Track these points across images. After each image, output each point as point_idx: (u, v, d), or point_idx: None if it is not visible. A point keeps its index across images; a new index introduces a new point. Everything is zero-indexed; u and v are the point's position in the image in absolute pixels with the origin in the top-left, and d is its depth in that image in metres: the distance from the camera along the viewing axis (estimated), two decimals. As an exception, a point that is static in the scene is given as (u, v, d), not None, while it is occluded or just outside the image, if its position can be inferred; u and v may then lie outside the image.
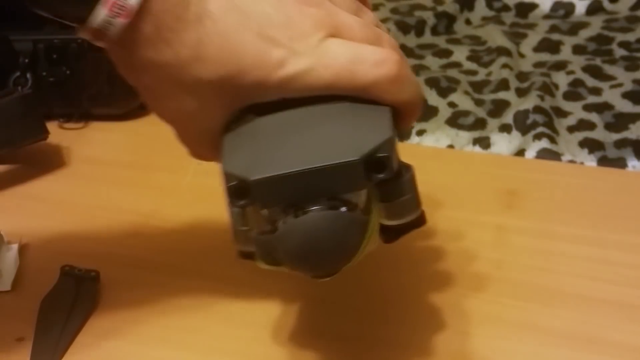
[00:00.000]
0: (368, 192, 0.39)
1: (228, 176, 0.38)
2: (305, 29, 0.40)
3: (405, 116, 0.43)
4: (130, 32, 0.38)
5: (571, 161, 0.69)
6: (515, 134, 0.72)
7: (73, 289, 0.53)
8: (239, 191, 0.37)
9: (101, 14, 0.37)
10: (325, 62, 0.40)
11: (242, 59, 0.39)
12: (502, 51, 0.88)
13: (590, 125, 0.74)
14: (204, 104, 0.41)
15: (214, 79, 0.39)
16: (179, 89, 0.40)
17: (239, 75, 0.39)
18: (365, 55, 0.41)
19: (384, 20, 0.97)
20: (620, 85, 0.80)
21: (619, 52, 0.88)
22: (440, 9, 0.98)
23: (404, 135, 0.73)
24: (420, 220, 0.42)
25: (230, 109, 0.41)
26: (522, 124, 0.73)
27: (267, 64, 0.39)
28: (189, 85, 0.40)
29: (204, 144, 0.43)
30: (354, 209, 0.37)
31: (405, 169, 0.40)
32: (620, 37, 0.91)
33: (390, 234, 0.42)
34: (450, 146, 0.72)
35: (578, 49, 0.90)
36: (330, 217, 0.36)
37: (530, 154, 0.70)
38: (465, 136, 0.73)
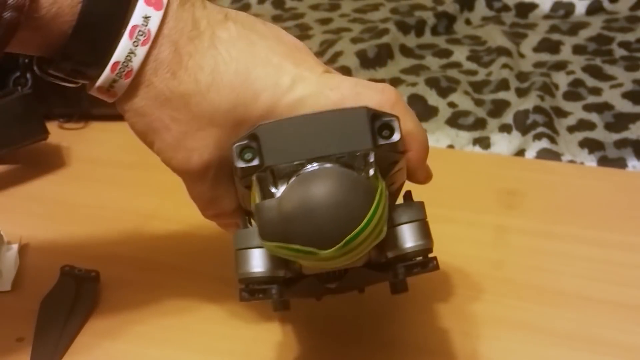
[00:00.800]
0: (378, 172, 0.37)
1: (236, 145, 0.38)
2: (308, 60, 0.42)
3: (413, 158, 0.43)
4: (152, 60, 0.39)
5: (571, 161, 0.69)
6: (515, 134, 0.73)
7: (73, 289, 0.53)
8: (248, 148, 0.37)
9: (124, 44, 0.39)
10: (331, 85, 0.40)
11: (254, 83, 0.40)
12: (502, 51, 0.88)
13: (590, 125, 0.74)
14: (221, 136, 0.41)
15: (230, 107, 0.40)
16: (199, 122, 0.41)
17: (252, 101, 0.40)
18: (367, 82, 0.42)
19: (384, 21, 0.97)
20: (620, 85, 0.81)
21: (619, 52, 0.89)
22: (440, 9, 0.99)
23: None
24: (430, 261, 0.40)
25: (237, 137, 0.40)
26: (522, 124, 0.73)
27: (278, 88, 0.40)
28: (207, 115, 0.40)
29: (221, 182, 0.43)
30: (362, 174, 0.37)
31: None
32: (620, 37, 0.91)
33: (397, 273, 0.40)
34: (450, 146, 0.72)
35: (578, 49, 0.90)
36: (337, 173, 0.36)
37: (531, 154, 0.70)
38: (465, 136, 0.73)
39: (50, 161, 0.70)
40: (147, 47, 0.39)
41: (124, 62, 0.39)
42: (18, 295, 0.54)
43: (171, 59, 0.40)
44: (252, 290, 0.39)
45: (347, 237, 0.35)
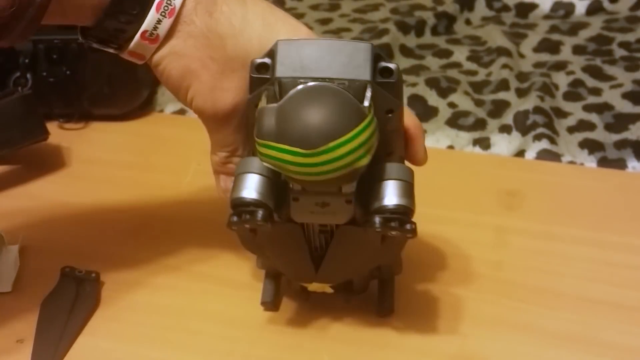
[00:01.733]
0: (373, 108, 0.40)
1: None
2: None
3: (411, 125, 0.47)
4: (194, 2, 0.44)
5: (571, 162, 0.69)
6: (515, 134, 0.73)
7: (73, 290, 0.53)
8: (263, 64, 0.42)
9: None
10: None
11: (278, 34, 0.45)
12: (502, 51, 0.88)
13: (590, 126, 0.74)
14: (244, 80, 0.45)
15: (258, 53, 0.44)
16: (234, 63, 0.45)
17: None
18: None
19: (384, 21, 0.97)
20: (620, 85, 0.80)
21: (619, 52, 0.89)
22: (440, 9, 0.98)
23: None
24: (409, 222, 0.42)
25: None
26: (522, 124, 0.73)
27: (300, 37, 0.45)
28: (240, 58, 0.45)
29: (240, 130, 0.47)
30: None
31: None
32: (620, 37, 0.91)
33: (374, 223, 0.42)
34: (451, 147, 0.72)
35: (578, 49, 0.90)
36: (335, 90, 0.40)
37: (530, 154, 0.70)
38: (465, 137, 0.73)
39: (50, 161, 0.70)
40: None
41: (165, 2, 0.43)
42: (18, 297, 0.54)
43: (208, 1, 0.44)
44: (240, 212, 0.42)
45: (330, 144, 0.38)
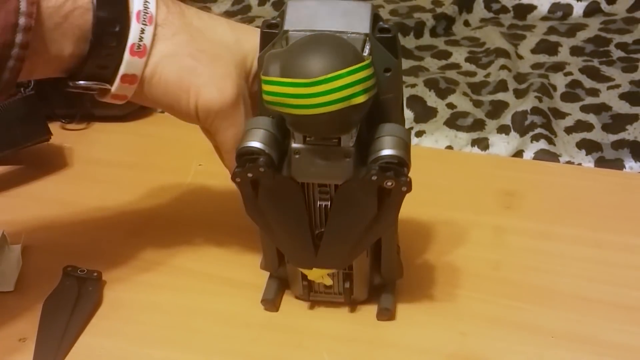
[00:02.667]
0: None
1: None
2: None
3: None
4: (162, 4, 0.47)
5: (569, 162, 0.69)
6: (514, 135, 0.73)
7: (75, 290, 0.53)
8: (273, 24, 0.45)
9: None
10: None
11: (242, 27, 0.51)
12: (501, 53, 0.88)
13: (588, 127, 0.75)
14: (237, 65, 0.49)
15: (233, 40, 0.49)
16: (219, 50, 0.48)
17: (247, 37, 0.49)
18: None
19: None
20: (617, 86, 0.81)
21: (617, 53, 0.89)
22: (439, 10, 0.99)
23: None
24: (404, 174, 0.44)
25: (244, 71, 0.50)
26: (520, 125, 0.74)
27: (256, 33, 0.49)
28: (222, 46, 0.48)
29: (250, 115, 0.49)
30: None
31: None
32: (617, 38, 0.92)
33: (371, 169, 0.43)
34: (449, 147, 0.73)
35: (576, 51, 0.90)
36: (337, 35, 0.42)
37: (529, 155, 0.70)
38: (464, 137, 0.74)
39: (52, 162, 0.70)
40: None
41: (143, 10, 0.45)
42: (21, 296, 0.54)
43: (171, 4, 0.47)
44: (244, 161, 0.44)
45: (329, 74, 0.39)
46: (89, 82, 0.46)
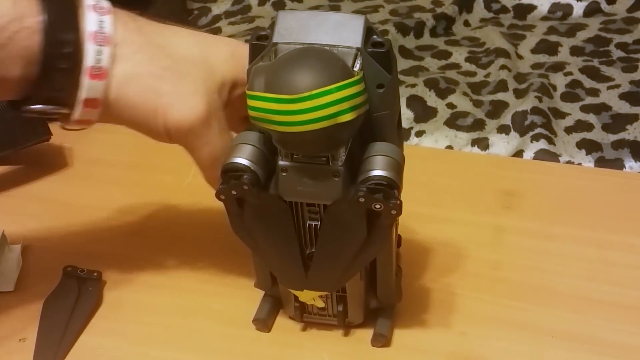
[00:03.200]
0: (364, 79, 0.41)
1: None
2: None
3: None
4: (118, 22, 0.44)
5: (569, 162, 0.70)
6: (514, 135, 0.73)
7: (75, 290, 0.53)
8: (262, 35, 0.43)
9: (92, 17, 0.43)
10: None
11: (206, 37, 0.48)
12: (501, 52, 0.88)
13: (588, 126, 0.75)
14: (203, 79, 0.46)
15: (198, 52, 0.46)
16: (183, 66, 0.46)
17: (214, 49, 0.47)
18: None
19: (384, 22, 0.98)
20: (617, 86, 0.81)
21: (617, 53, 0.89)
22: (439, 10, 0.99)
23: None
24: (394, 197, 0.41)
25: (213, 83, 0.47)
26: (520, 125, 0.74)
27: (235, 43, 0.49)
28: (186, 60, 0.46)
29: (224, 130, 0.47)
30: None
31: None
32: (617, 38, 0.92)
33: (359, 190, 0.41)
34: (449, 147, 0.73)
35: (576, 51, 0.90)
36: (325, 49, 0.41)
37: (528, 154, 0.70)
38: (463, 137, 0.74)
39: (52, 162, 0.70)
40: (108, 16, 0.43)
41: (98, 29, 0.42)
42: (21, 296, 0.54)
43: (129, 21, 0.44)
44: (228, 178, 0.43)
45: (314, 91, 0.38)
46: (45, 107, 0.43)
